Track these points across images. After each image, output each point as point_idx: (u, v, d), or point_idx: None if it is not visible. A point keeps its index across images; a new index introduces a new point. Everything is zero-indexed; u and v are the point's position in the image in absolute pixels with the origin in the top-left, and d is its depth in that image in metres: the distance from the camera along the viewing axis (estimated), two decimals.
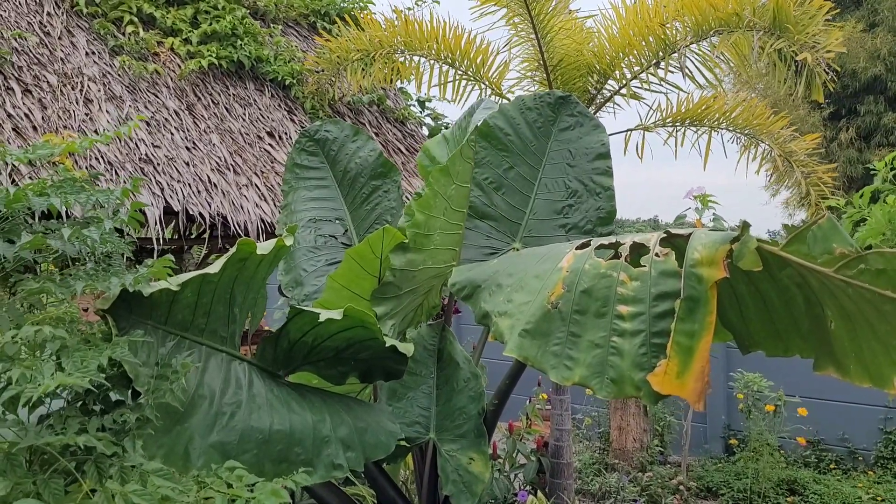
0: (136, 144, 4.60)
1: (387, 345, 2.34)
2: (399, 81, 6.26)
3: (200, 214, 4.51)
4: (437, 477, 2.96)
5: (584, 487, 5.86)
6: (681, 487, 5.88)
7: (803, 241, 1.53)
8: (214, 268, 1.92)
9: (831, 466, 6.22)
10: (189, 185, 4.60)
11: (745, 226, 1.64)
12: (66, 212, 2.25)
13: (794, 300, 1.88)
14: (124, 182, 4.27)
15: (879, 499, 5.47)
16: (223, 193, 4.75)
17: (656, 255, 1.82)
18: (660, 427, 6.76)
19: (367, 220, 3.58)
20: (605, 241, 2.02)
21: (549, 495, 4.81)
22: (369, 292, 2.71)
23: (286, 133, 5.85)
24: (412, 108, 7.34)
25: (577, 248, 2.03)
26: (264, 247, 2.06)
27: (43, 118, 4.41)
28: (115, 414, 1.62)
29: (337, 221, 3.60)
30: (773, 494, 5.63)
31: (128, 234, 3.64)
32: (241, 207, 4.76)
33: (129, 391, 1.75)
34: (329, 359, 2.56)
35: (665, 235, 1.89)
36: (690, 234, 1.79)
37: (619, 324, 1.78)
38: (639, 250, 1.90)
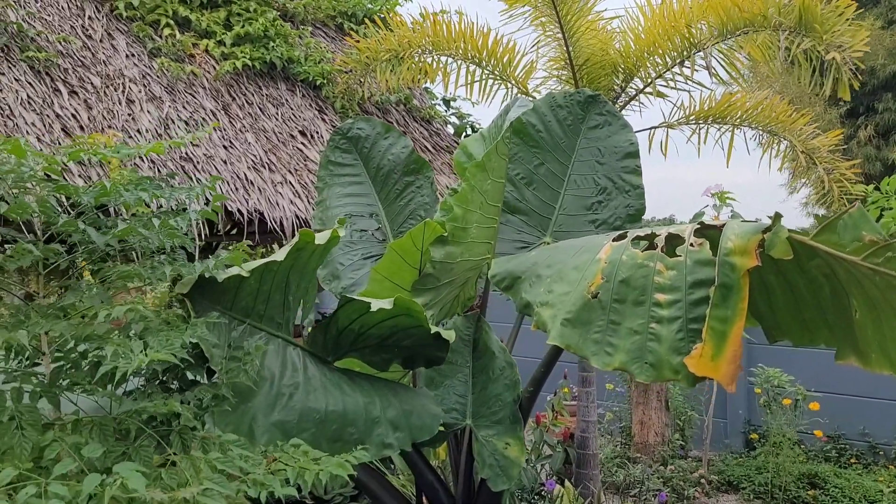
0: None
1: (431, 332, 2.47)
2: (426, 81, 6.39)
3: (238, 210, 4.67)
4: (473, 461, 3.08)
5: (609, 479, 5.96)
6: (702, 481, 5.98)
7: (833, 230, 1.63)
8: (279, 255, 2.06)
9: (852, 461, 6.27)
10: (227, 182, 4.76)
11: (777, 217, 1.75)
12: (115, 209, 2.39)
13: (822, 290, 1.97)
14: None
15: None
16: (259, 190, 4.91)
17: (691, 245, 1.92)
18: (681, 422, 6.84)
19: (400, 214, 3.69)
20: (641, 232, 2.13)
21: (576, 485, 4.92)
22: (410, 283, 2.83)
23: (317, 132, 6.00)
24: (437, 107, 7.47)
25: (613, 241, 2.14)
26: (321, 237, 2.20)
27: (89, 118, 4.59)
28: (195, 391, 1.76)
29: (371, 217, 3.71)
30: (793, 488, 5.69)
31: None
32: (277, 204, 4.92)
33: (205, 371, 1.90)
34: (374, 346, 2.69)
35: (699, 226, 2.00)
36: (723, 225, 1.90)
37: (657, 311, 1.89)
38: (673, 241, 2.01)
